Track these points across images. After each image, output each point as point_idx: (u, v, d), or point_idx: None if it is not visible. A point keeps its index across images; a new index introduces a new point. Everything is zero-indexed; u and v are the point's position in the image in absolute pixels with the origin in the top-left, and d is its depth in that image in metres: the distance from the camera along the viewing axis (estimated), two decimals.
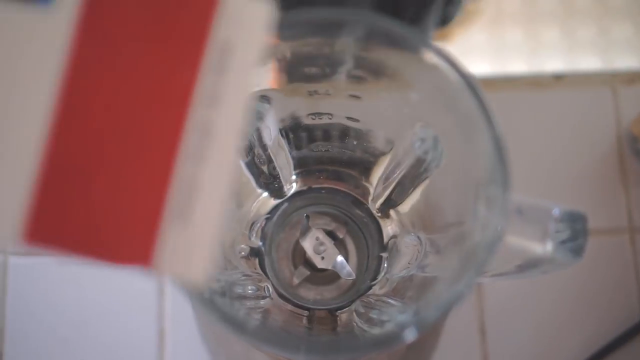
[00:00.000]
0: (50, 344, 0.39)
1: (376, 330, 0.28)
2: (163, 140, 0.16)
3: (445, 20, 0.51)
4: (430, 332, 0.33)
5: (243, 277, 0.30)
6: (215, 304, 0.22)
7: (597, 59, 1.00)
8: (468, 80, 0.23)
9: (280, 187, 0.32)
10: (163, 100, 0.17)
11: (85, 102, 0.16)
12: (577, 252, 0.23)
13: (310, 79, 0.26)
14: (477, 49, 1.01)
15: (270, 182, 0.31)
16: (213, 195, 0.17)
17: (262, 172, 0.30)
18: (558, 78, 0.43)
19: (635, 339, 0.39)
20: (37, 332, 0.39)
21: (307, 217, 0.32)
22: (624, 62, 1.00)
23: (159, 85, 0.17)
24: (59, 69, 0.16)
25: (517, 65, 1.01)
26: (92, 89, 0.16)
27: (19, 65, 0.16)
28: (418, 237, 0.30)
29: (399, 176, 0.29)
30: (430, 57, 0.23)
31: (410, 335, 0.21)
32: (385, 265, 0.31)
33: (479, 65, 1.00)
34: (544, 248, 0.23)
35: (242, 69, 0.17)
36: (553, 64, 1.00)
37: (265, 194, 0.32)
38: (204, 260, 0.17)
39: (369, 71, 0.25)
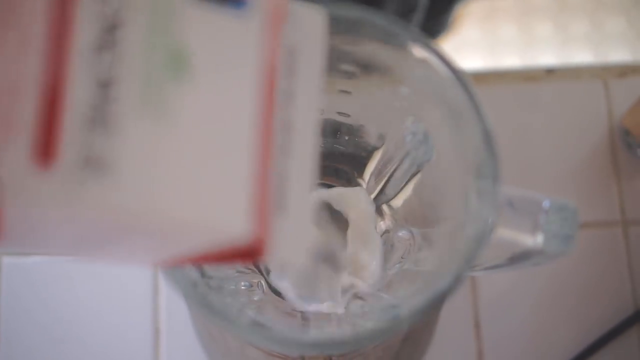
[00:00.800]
0: (45, 344, 0.39)
1: (370, 324, 0.28)
2: (262, 136, 0.18)
3: (433, 35, 0.51)
4: (424, 326, 0.33)
5: (236, 274, 0.30)
6: (208, 300, 0.22)
7: (591, 53, 1.01)
8: (457, 74, 0.23)
9: None
10: (258, 99, 0.18)
11: (264, 100, 0.18)
12: (568, 243, 0.23)
13: None
14: (471, 44, 1.01)
15: None
16: (301, 184, 0.18)
17: None
18: (550, 72, 0.44)
19: (628, 331, 0.39)
20: (31, 331, 0.39)
21: None
22: (617, 55, 1.00)
23: (259, 86, 0.18)
24: (256, 70, 0.17)
25: (510, 60, 1.02)
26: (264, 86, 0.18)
27: (225, 63, 0.17)
28: (411, 232, 0.30)
29: (391, 171, 0.29)
30: (419, 51, 0.23)
31: (402, 328, 0.21)
32: None
33: (472, 60, 1.01)
34: (535, 240, 0.23)
35: (310, 71, 0.19)
36: (546, 58, 1.01)
37: None
38: (304, 243, 0.18)
39: (359, 66, 0.25)
